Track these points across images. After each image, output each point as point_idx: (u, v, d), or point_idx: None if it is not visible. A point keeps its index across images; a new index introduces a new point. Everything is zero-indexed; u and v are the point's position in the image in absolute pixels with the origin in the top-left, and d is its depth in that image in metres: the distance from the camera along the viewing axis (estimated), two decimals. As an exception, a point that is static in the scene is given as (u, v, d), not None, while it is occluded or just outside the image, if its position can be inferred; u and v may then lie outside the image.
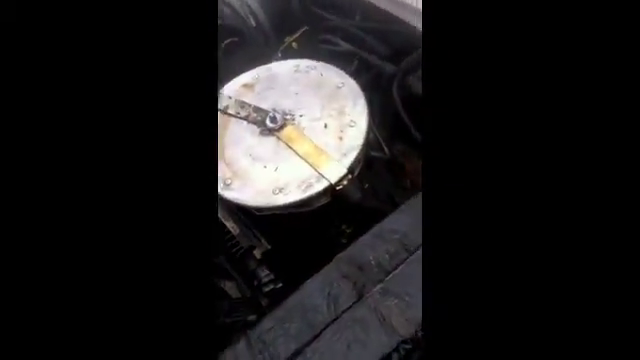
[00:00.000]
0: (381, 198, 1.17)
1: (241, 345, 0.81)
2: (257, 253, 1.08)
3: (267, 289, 1.07)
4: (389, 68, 1.31)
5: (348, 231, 1.10)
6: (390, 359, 0.74)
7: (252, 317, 1.12)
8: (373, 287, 0.81)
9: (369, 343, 0.75)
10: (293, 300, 0.84)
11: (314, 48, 1.47)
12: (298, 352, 0.78)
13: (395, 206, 1.03)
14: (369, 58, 1.35)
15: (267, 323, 0.82)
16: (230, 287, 1.15)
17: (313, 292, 0.84)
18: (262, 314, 1.08)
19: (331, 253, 1.12)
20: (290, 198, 1.01)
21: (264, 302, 1.08)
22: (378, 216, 1.04)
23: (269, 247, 1.07)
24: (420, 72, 1.24)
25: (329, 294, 0.82)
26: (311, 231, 1.11)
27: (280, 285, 1.07)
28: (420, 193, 0.89)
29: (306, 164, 1.03)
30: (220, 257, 1.10)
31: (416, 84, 1.26)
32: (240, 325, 1.12)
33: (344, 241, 1.11)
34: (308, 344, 0.78)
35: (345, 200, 1.02)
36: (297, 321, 0.81)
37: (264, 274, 1.07)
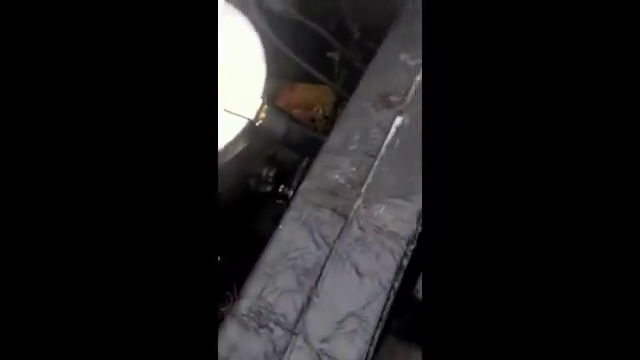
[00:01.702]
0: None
1: (232, 327, 0.63)
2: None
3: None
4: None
5: (271, 175, 0.95)
6: (402, 266, 0.67)
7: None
8: (354, 204, 0.72)
9: (376, 260, 0.66)
10: (272, 254, 0.68)
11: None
12: (307, 303, 0.64)
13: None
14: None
15: (253, 289, 0.65)
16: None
17: (291, 236, 0.70)
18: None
19: (258, 204, 0.99)
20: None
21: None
22: (307, 146, 0.93)
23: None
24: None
25: (311, 231, 0.69)
26: (229, 190, 0.93)
27: (218, 259, 0.88)
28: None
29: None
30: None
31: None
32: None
33: (268, 189, 0.97)
34: (313, 291, 0.65)
35: (269, 137, 0.87)
36: (289, 273, 0.66)
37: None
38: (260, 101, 0.84)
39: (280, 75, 1.04)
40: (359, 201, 0.72)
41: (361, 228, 0.69)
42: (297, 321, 0.62)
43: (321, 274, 0.66)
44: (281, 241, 0.69)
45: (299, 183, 0.99)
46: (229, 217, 0.94)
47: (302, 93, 1.23)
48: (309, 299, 0.64)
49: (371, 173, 0.74)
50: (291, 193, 0.95)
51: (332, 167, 0.75)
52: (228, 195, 0.94)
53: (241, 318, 0.63)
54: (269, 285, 0.64)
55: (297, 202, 0.72)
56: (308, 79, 1.15)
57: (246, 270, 0.88)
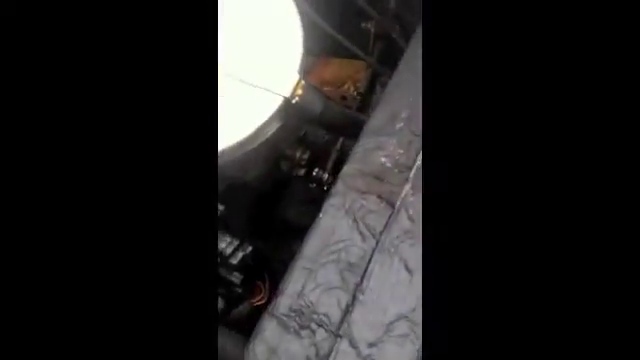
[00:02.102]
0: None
1: (271, 328, 0.57)
2: (206, 220, 0.80)
3: (234, 260, 0.81)
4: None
5: (305, 157, 0.88)
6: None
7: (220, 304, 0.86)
8: (402, 191, 0.65)
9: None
10: (312, 246, 0.62)
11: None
12: (351, 302, 0.58)
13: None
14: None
15: (293, 285, 0.59)
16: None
17: (334, 226, 0.63)
18: (235, 292, 0.84)
19: (292, 189, 0.92)
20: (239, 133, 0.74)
21: (236, 278, 0.82)
22: (343, 125, 0.86)
23: (221, 208, 0.80)
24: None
25: (355, 220, 0.62)
26: (261, 175, 0.87)
27: (250, 249, 0.82)
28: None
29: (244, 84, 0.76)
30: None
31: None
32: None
33: (302, 172, 0.90)
34: (358, 289, 0.59)
35: (304, 115, 0.79)
36: (331, 268, 0.60)
37: (225, 243, 0.80)
38: (297, 77, 0.77)
39: (312, 49, 0.96)
40: (407, 187, 0.64)
41: (410, 218, 0.62)
42: (341, 322, 0.56)
43: (367, 269, 0.59)
44: (322, 231, 0.62)
45: (334, 166, 0.92)
46: (260, 202, 0.88)
47: (334, 69, 1.14)
48: (354, 297, 0.57)
49: (420, 155, 0.66)
50: (326, 176, 0.88)
51: (376, 148, 0.67)
52: (259, 178, 0.88)
53: (281, 318, 0.57)
54: (310, 281, 0.58)
55: (339, 188, 0.65)
56: (340, 53, 1.07)
57: (278, 258, 0.83)
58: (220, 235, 0.81)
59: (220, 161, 0.70)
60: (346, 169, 0.66)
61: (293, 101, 0.77)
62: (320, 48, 1.04)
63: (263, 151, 0.81)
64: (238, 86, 0.76)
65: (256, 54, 0.79)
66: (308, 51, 0.85)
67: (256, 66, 0.77)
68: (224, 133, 0.72)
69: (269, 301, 0.79)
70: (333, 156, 0.88)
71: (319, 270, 0.59)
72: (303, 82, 0.77)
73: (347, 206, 0.63)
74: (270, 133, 0.80)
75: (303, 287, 0.58)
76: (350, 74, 1.14)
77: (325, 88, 1.10)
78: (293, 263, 0.59)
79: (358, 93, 1.06)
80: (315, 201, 0.69)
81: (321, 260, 0.59)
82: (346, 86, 1.12)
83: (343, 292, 0.57)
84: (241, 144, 0.76)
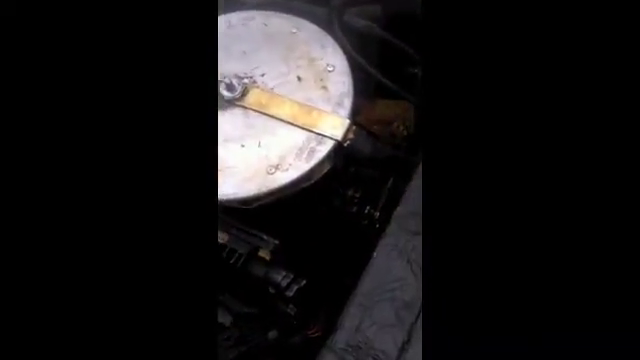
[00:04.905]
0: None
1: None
2: (264, 254, 0.86)
3: (290, 292, 0.86)
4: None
5: (357, 195, 0.93)
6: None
7: (273, 333, 0.90)
8: (454, 233, 0.67)
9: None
10: (367, 284, 0.65)
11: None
12: (407, 340, 0.61)
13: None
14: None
15: (350, 320, 0.62)
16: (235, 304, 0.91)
17: (388, 266, 0.66)
18: (291, 324, 0.88)
19: (344, 226, 0.96)
20: (293, 173, 0.80)
21: (291, 310, 0.86)
22: (393, 165, 0.90)
23: (276, 242, 0.85)
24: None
25: (409, 261, 0.66)
26: (316, 209, 0.92)
27: (304, 283, 0.86)
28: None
29: (297, 127, 0.83)
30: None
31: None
32: (259, 348, 0.90)
33: (354, 209, 0.94)
34: (413, 327, 0.62)
35: (355, 157, 0.85)
36: (386, 306, 0.63)
37: (281, 276, 0.85)
38: (348, 122, 0.82)
39: (361, 93, 1.02)
40: (459, 228, 0.67)
41: (462, 259, 0.65)
42: (398, 359, 0.59)
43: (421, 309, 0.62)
44: (377, 270, 0.66)
45: (385, 204, 0.96)
46: (314, 239, 0.93)
47: (381, 109, 1.19)
48: (410, 335, 0.60)
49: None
50: (377, 215, 0.92)
51: (428, 191, 0.71)
52: (313, 216, 0.93)
53: (339, 352, 0.60)
54: (366, 318, 0.61)
55: (392, 228, 0.69)
56: (388, 96, 1.12)
57: (333, 295, 0.87)
58: (276, 269, 0.87)
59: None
60: (399, 210, 0.70)
61: (345, 144, 0.82)
62: (369, 91, 1.10)
63: (317, 189, 0.87)
64: (295, 131, 0.83)
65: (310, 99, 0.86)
66: (357, 94, 0.91)
67: (311, 110, 0.83)
68: (283, 176, 0.79)
69: (324, 334, 0.83)
70: (384, 195, 0.92)
71: (374, 307, 0.62)
72: (354, 127, 0.83)
73: (400, 246, 0.67)
74: (323, 172, 0.86)
75: (360, 323, 0.61)
76: (398, 113, 1.19)
77: (374, 127, 1.15)
78: (350, 299, 0.63)
79: (407, 132, 1.10)
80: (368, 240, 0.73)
81: (376, 298, 0.63)
82: (395, 124, 1.16)
83: (399, 330, 0.60)
84: (298, 182, 0.82)
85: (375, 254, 0.67)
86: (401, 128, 1.10)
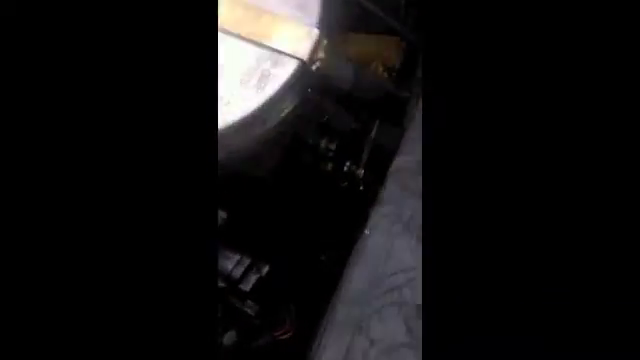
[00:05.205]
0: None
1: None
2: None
3: (246, 286, 0.62)
4: None
5: (332, 147, 0.68)
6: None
7: (230, 335, 0.68)
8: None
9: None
10: (357, 283, 0.42)
11: None
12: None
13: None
14: None
15: (334, 349, 0.39)
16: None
17: (387, 248, 0.43)
18: (251, 324, 0.66)
19: (316, 190, 0.73)
20: (237, 109, 0.55)
21: (250, 307, 0.63)
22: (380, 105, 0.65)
23: (223, 216, 0.61)
24: None
25: (419, 237, 0.43)
26: (277, 168, 0.67)
27: (266, 271, 0.63)
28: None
29: (242, 40, 0.57)
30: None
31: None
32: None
33: (329, 167, 0.70)
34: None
35: (329, 89, 0.59)
36: (391, 314, 0.40)
37: (232, 263, 0.61)
38: (316, 33, 0.56)
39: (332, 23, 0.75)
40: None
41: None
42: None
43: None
44: (371, 256, 0.42)
45: (370, 159, 0.72)
46: (277, 206, 0.68)
47: (358, 45, 0.93)
48: (430, 360, 0.38)
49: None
50: (361, 172, 0.68)
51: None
52: (275, 174, 0.69)
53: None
54: (360, 337, 0.38)
55: (390, 190, 0.45)
56: (367, 27, 0.86)
57: (305, 280, 0.65)
58: (224, 252, 0.63)
59: (222, 152, 0.50)
60: (398, 162, 0.46)
61: (313, 67, 0.56)
62: (341, 23, 0.83)
63: (278, 137, 0.62)
64: (238, 45, 0.56)
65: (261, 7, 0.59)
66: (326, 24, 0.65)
67: (263, 21, 0.57)
68: (222, 111, 0.53)
69: (295, 333, 0.63)
70: (367, 147, 0.68)
71: (371, 319, 0.39)
72: (325, 42, 0.57)
73: (405, 217, 0.43)
74: (286, 111, 0.60)
75: (350, 346, 0.39)
76: (379, 51, 0.93)
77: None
78: (332, 311, 0.39)
79: (390, 72, 0.85)
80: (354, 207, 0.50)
81: (374, 303, 0.39)
82: (374, 64, 0.91)
83: (412, 351, 0.38)
84: (246, 125, 0.57)
85: (368, 230, 0.43)
86: (381, 69, 0.85)
